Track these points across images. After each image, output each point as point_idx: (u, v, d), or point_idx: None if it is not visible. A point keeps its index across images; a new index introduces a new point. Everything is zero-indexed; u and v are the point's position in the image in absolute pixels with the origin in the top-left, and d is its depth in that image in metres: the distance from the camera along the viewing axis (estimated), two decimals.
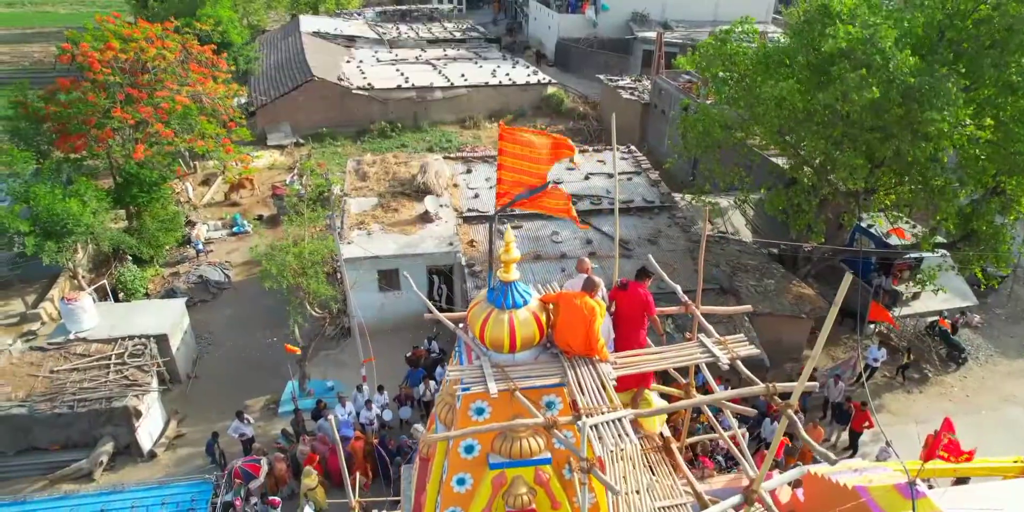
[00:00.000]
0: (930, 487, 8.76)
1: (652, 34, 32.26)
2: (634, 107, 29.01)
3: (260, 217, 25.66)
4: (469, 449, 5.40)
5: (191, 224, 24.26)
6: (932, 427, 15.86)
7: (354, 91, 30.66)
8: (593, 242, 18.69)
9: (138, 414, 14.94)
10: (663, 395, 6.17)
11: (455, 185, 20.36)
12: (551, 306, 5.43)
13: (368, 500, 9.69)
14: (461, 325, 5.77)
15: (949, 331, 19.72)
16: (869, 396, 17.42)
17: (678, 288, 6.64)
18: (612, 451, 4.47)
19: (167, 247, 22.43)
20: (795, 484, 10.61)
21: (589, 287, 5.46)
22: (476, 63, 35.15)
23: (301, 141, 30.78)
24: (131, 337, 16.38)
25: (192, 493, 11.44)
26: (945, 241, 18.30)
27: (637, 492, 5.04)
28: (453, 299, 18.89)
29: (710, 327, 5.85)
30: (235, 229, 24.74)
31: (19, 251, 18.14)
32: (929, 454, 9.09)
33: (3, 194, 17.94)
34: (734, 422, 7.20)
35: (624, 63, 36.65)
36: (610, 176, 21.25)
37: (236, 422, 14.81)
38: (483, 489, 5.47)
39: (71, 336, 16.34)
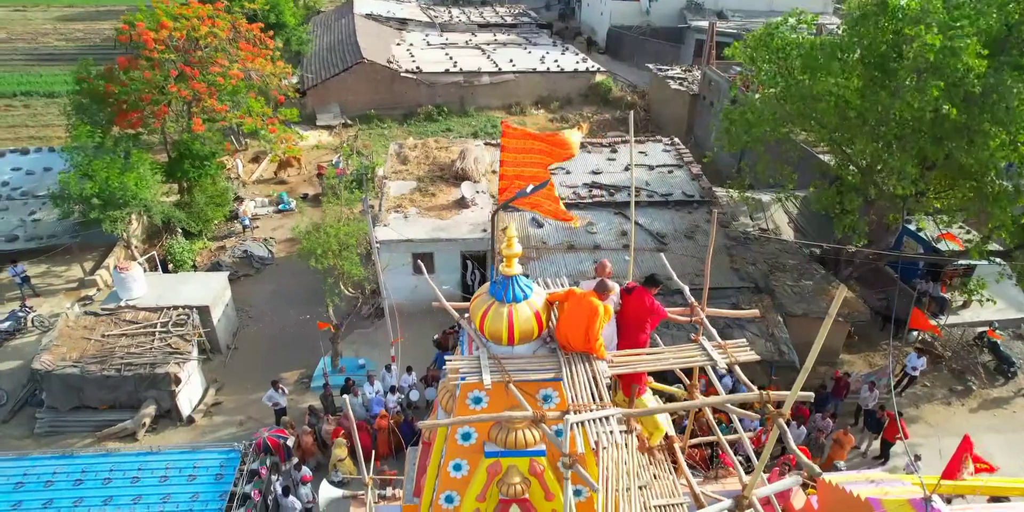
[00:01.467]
0: (948, 502, 8.53)
1: (705, 23, 31.49)
2: (682, 98, 28.48)
3: (305, 196, 26.31)
4: (466, 437, 5.56)
5: (239, 200, 25.07)
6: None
7: (402, 74, 30.95)
8: (627, 234, 18.54)
9: (178, 380, 15.68)
10: (664, 395, 6.18)
11: (494, 172, 20.45)
12: (556, 303, 5.50)
13: (381, 476, 10.01)
14: (466, 315, 5.91)
15: (999, 343, 18.96)
16: (896, 405, 16.93)
17: (685, 288, 6.61)
18: (594, 448, 4.55)
19: (215, 221, 23.25)
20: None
21: (601, 289, 5.50)
22: (525, 49, 34.99)
23: (349, 122, 31.32)
24: (175, 307, 17.13)
25: (221, 459, 12.00)
26: (1001, 249, 17.54)
27: (628, 490, 5.10)
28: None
29: (713, 330, 5.83)
30: (281, 206, 25.44)
31: (79, 219, 19.14)
32: (949, 471, 8.85)
33: (68, 165, 18.92)
34: (738, 425, 7.15)
35: (676, 53, 35.94)
36: (651, 168, 21.02)
37: (271, 391, 15.41)
38: (478, 476, 5.63)
39: (122, 303, 17.19)
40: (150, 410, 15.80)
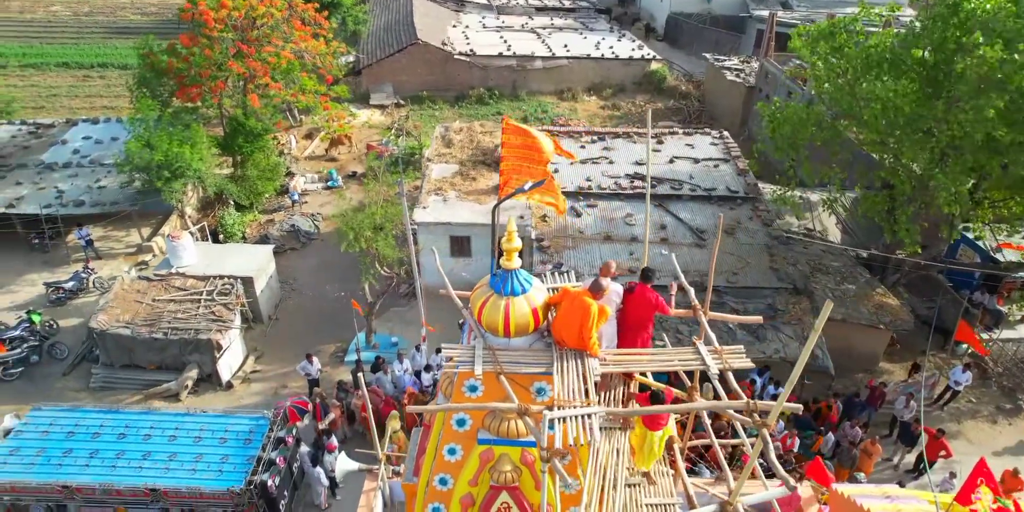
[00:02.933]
0: None
1: (767, 13, 30.43)
2: (738, 90, 27.74)
3: (353, 174, 26.87)
4: (461, 422, 5.75)
5: (291, 175, 25.80)
6: (1010, 462, 14.79)
7: (456, 56, 31.06)
8: (667, 228, 18.37)
9: (219, 347, 16.45)
10: (656, 395, 6.21)
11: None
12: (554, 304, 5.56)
13: (396, 454, 10.35)
14: (468, 305, 6.05)
15: None
16: (935, 419, 16.39)
17: (691, 291, 6.58)
18: (572, 445, 4.65)
19: (266, 195, 24.04)
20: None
21: (595, 289, 5.56)
22: (581, 34, 34.56)
23: (402, 102, 31.70)
24: (221, 277, 17.90)
25: (252, 425, 12.61)
26: None
27: (615, 486, 5.21)
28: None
29: (711, 335, 5.80)
30: (330, 183, 26.07)
31: (139, 188, 20.12)
32: (964, 493, 8.60)
33: (130, 135, 19.87)
34: (735, 432, 7.10)
35: (736, 42, 34.87)
36: (696, 161, 20.64)
37: (305, 362, 16.03)
38: (471, 461, 5.83)
39: (173, 270, 18.07)
40: (192, 373, 16.65)
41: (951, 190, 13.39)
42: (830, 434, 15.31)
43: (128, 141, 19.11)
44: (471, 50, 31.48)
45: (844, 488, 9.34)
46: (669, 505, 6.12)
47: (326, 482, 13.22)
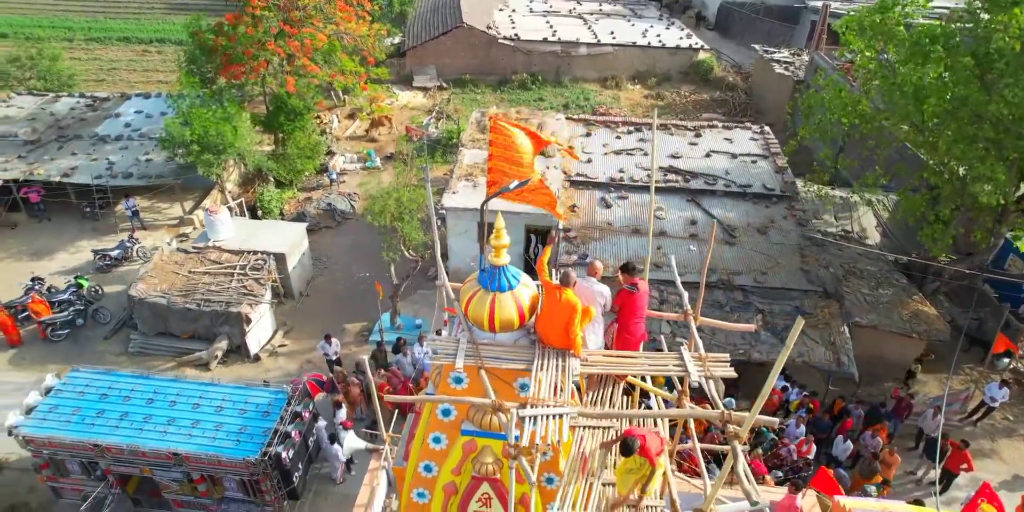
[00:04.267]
0: None
1: (822, 3, 29.29)
2: (786, 83, 26.88)
3: (391, 155, 27.18)
4: (446, 412, 5.87)
5: (331, 154, 26.25)
6: None
7: (500, 40, 30.90)
8: (697, 223, 18.08)
9: (248, 320, 17.00)
10: (644, 395, 6.19)
11: (570, 147, 20.33)
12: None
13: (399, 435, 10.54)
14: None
15: None
16: (960, 434, 15.84)
17: (684, 295, 6.50)
18: (539, 444, 4.70)
19: (305, 173, 24.54)
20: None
21: (564, 281, 5.57)
22: (629, 21, 33.92)
23: (444, 85, 31.77)
24: (255, 252, 18.44)
25: (271, 399, 13.05)
26: None
27: (592, 484, 5.26)
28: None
29: (699, 341, 5.74)
30: (368, 164, 26.42)
31: (183, 162, 20.80)
32: None
33: (173, 111, 20.51)
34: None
35: (789, 33, 33.71)
36: (734, 156, 20.17)
37: (323, 342, 16.46)
38: (455, 451, 5.95)
39: (209, 243, 18.69)
40: (222, 344, 17.28)
41: (989, 177, 12.78)
42: (848, 442, 15.00)
43: (167, 118, 19.74)
44: (516, 35, 31.27)
45: (845, 501, 9.19)
46: (653, 507, 6.13)
47: (343, 458, 13.62)
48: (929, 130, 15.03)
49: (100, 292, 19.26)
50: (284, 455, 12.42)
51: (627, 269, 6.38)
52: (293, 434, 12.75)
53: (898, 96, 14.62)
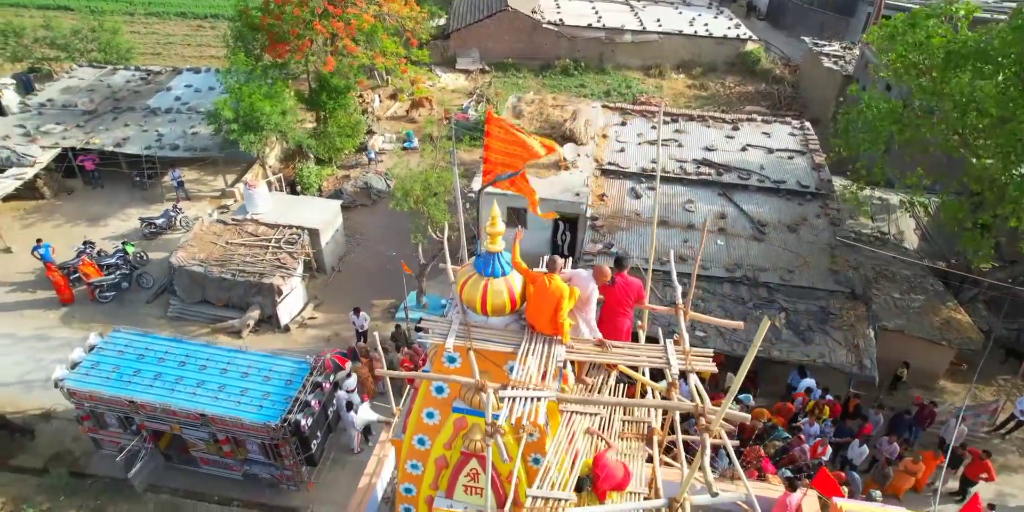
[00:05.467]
0: None
1: None
2: (834, 78, 26.14)
3: (430, 136, 27.52)
4: (439, 390, 6.17)
5: (371, 133, 26.74)
6: None
7: (544, 25, 30.78)
8: (727, 218, 17.94)
9: (279, 292, 17.66)
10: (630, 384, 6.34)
11: (604, 136, 20.30)
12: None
13: None
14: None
15: None
16: (979, 445, 15.52)
17: (678, 289, 6.59)
18: (515, 425, 4.93)
19: (345, 151, 25.07)
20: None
21: (551, 267, 5.76)
22: (676, 8, 33.34)
23: (487, 68, 31.87)
24: (290, 226, 19.06)
25: (294, 368, 13.62)
26: None
27: (573, 465, 5.49)
28: (575, 247, 19.35)
29: (686, 335, 5.86)
30: (406, 144, 26.83)
31: (227, 137, 21.51)
32: None
33: (222, 86, 21.18)
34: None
35: (844, 26, 32.63)
36: (770, 151, 19.86)
37: (352, 315, 17.01)
38: (447, 427, 6.26)
39: (247, 216, 19.39)
40: (255, 314, 18.00)
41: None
42: (863, 447, 14.88)
43: (218, 98, 20.40)
44: (560, 20, 31.10)
45: (844, 503, 9.24)
46: (635, 494, 6.34)
47: (357, 426, 14.17)
48: (974, 138, 14.59)
49: (145, 258, 20.20)
50: (303, 422, 12.99)
51: (616, 263, 6.53)
52: (313, 403, 13.31)
53: (947, 105, 14.22)
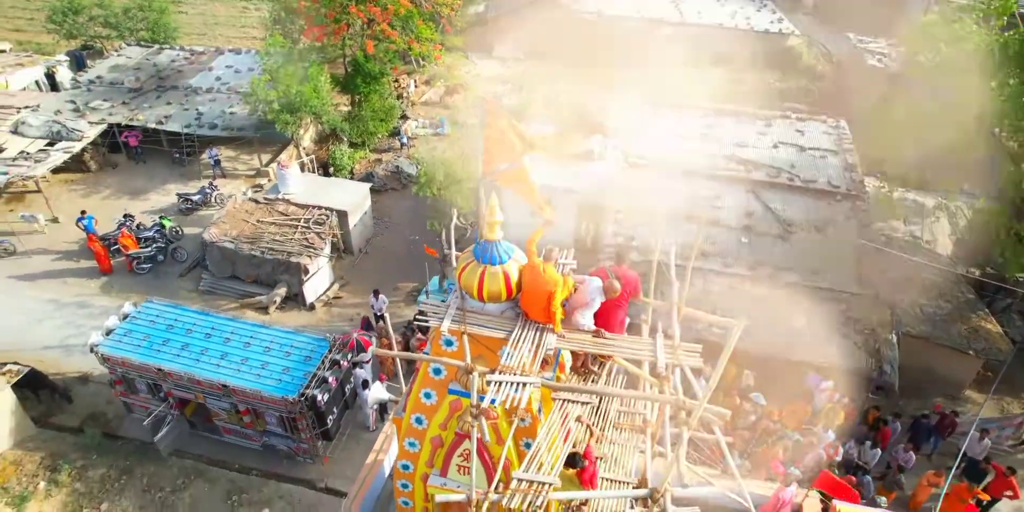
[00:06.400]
0: None
1: None
2: (878, 77, 25.42)
3: (460, 123, 27.65)
4: (437, 371, 6.38)
5: (404, 118, 27.02)
6: None
7: (583, 14, 30.54)
8: (754, 215, 17.74)
9: (306, 271, 18.13)
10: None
11: (635, 128, 20.16)
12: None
13: None
14: None
15: None
16: (1005, 461, 15.20)
17: (675, 285, 6.64)
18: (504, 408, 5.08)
19: (378, 135, 25.42)
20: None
21: (547, 258, 5.88)
22: (719, 1, 32.71)
23: (524, 57, 31.77)
24: (319, 207, 19.50)
25: (314, 345, 14.05)
26: None
27: (560, 449, 5.66)
28: (598, 239, 19.37)
29: (677, 330, 5.93)
30: (439, 130, 27.04)
31: (263, 117, 22.02)
32: None
33: (261, 68, 21.65)
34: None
35: (895, 22, 31.54)
36: (802, 149, 19.52)
37: (372, 297, 17.41)
38: (443, 407, 6.49)
39: (279, 196, 19.89)
40: (281, 291, 18.54)
41: None
42: (876, 450, 14.73)
43: (254, 77, 20.87)
44: (599, 10, 30.81)
45: (844, 507, 9.23)
46: (623, 483, 6.49)
47: (370, 403, 14.57)
48: (1018, 143, 14.17)
49: (180, 233, 20.90)
50: (320, 398, 13.43)
51: (616, 257, 6.62)
52: (330, 380, 13.73)
53: (988, 106, 13.83)
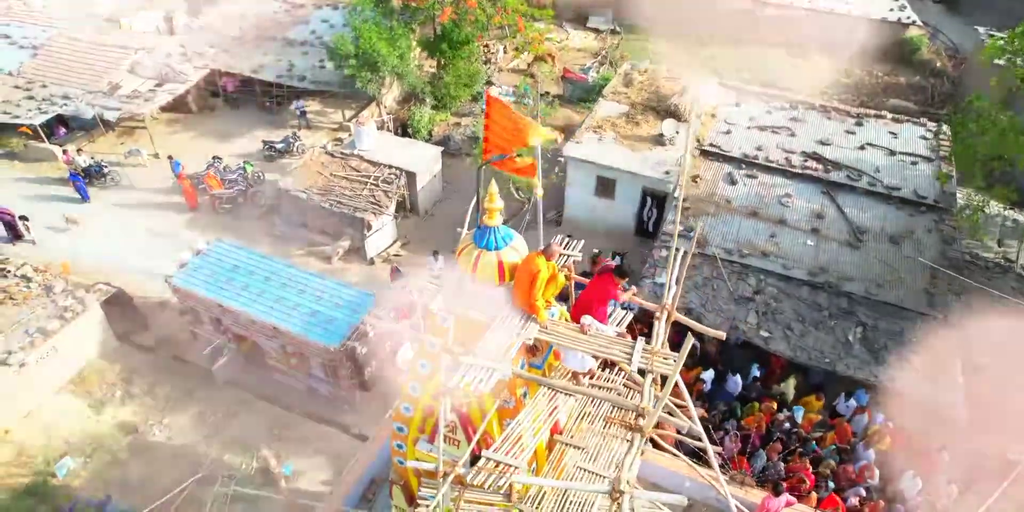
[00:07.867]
0: None
1: None
2: (1004, 75, 23.11)
3: (546, 94, 27.43)
4: (432, 344, 6.67)
5: (489, 84, 27.06)
6: None
7: None
8: (824, 219, 16.92)
9: (369, 227, 18.85)
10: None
11: (712, 115, 19.47)
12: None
13: None
14: None
15: None
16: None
17: (674, 288, 6.51)
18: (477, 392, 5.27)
19: (460, 99, 25.64)
20: None
21: (546, 251, 5.96)
22: None
23: (618, 29, 30.99)
24: (390, 166, 20.08)
25: (360, 299, 14.75)
26: None
27: (536, 435, 5.87)
28: (659, 225, 19.07)
29: (662, 335, 5.89)
30: (524, 100, 26.92)
31: (348, 73, 22.64)
32: None
33: (347, 24, 22.18)
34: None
35: None
36: (892, 153, 18.27)
37: (431, 257, 17.95)
38: (436, 377, 6.79)
39: (354, 151, 20.60)
40: (345, 244, 19.40)
41: None
42: (917, 478, 14.07)
43: (336, 33, 21.39)
44: None
45: None
46: (600, 476, 6.62)
47: (400, 364, 15.19)
48: None
49: (261, 178, 22.09)
50: (359, 350, 14.16)
51: (619, 272, 6.61)
52: (371, 334, 14.41)
53: None
